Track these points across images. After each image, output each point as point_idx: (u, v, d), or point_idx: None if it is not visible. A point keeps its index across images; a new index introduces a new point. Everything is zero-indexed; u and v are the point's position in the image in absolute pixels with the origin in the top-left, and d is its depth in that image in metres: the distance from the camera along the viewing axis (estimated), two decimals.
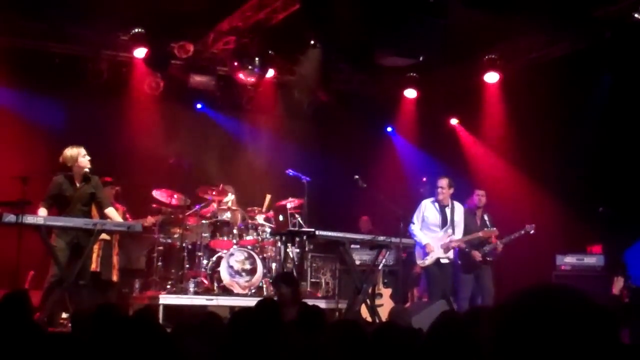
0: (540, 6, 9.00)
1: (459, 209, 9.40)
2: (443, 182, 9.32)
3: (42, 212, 7.75)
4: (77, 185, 8.04)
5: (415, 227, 9.24)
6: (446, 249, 9.21)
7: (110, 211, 8.22)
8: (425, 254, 9.16)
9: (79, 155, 7.97)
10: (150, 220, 9.68)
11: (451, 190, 9.32)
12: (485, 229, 9.43)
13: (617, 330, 1.37)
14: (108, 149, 10.57)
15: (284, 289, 6.47)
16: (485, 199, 9.69)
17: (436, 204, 9.32)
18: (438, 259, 9.15)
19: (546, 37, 10.62)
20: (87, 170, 8.03)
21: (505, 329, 1.36)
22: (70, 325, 6.49)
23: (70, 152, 7.98)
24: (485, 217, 9.67)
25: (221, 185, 10.32)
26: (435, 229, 9.27)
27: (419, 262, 9.28)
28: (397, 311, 7.41)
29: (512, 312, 1.37)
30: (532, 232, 9.35)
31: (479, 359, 1.42)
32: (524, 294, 1.39)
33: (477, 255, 9.34)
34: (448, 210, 9.31)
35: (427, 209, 9.33)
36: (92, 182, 8.11)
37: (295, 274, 9.32)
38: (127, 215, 9.54)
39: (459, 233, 9.30)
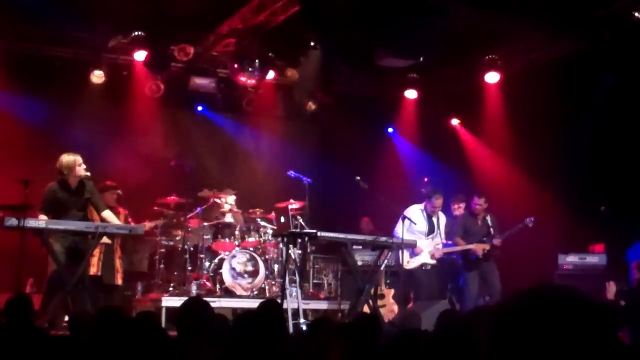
0: (541, 6, 9.01)
1: (443, 218, 9.92)
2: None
3: (43, 218, 7.72)
4: (72, 190, 7.93)
5: (400, 229, 9.19)
6: (433, 256, 9.57)
7: (107, 214, 8.14)
8: (413, 255, 9.43)
9: (75, 164, 7.83)
10: (148, 225, 9.63)
11: None
12: (487, 239, 9.54)
13: (615, 330, 1.37)
14: (109, 152, 10.57)
15: None
16: (486, 205, 9.71)
17: (424, 212, 9.67)
18: (423, 264, 9.48)
19: (546, 37, 10.61)
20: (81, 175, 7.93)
21: (503, 330, 1.36)
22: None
23: (66, 160, 7.82)
24: (488, 220, 9.66)
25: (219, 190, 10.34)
26: (421, 235, 9.57)
27: (404, 263, 9.45)
28: (407, 315, 7.41)
29: (510, 313, 1.37)
30: (531, 225, 9.36)
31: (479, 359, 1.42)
32: (523, 295, 1.39)
33: (479, 248, 9.41)
34: (435, 219, 9.78)
35: (415, 216, 9.52)
36: (87, 187, 7.99)
37: (297, 275, 9.30)
38: (130, 219, 9.51)
39: (442, 240, 9.79)
